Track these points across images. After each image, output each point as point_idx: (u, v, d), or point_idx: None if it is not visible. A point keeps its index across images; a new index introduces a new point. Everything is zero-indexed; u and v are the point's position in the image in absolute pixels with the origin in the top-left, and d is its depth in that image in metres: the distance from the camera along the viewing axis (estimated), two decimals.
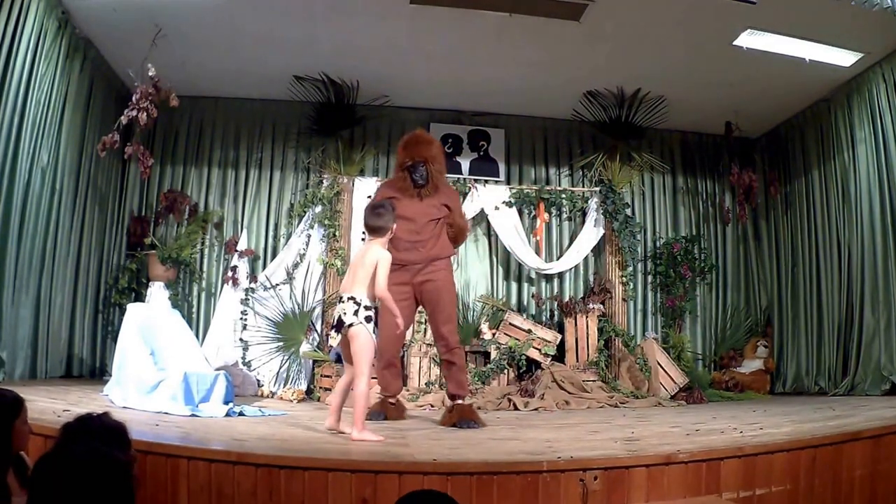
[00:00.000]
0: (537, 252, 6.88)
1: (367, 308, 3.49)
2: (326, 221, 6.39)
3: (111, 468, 1.44)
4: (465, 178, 6.99)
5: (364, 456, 2.74)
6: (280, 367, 6.06)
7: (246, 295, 6.29)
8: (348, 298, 3.51)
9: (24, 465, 2.04)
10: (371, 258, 3.56)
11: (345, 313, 3.48)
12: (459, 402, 4.24)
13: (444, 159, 4.53)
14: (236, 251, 6.53)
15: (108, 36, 5.52)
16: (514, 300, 7.00)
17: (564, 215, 7.18)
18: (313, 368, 5.93)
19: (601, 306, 6.60)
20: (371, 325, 3.50)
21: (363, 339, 3.45)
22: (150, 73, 5.09)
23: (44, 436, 2.57)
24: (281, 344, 6.13)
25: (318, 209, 6.50)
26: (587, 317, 6.44)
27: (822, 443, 2.99)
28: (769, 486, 2.80)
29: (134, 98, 5.15)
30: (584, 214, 7.06)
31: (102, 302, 6.31)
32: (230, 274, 6.38)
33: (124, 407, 4.03)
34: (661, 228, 7.40)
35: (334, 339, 3.60)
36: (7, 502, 1.90)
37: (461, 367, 4.36)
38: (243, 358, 6.07)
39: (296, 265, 6.42)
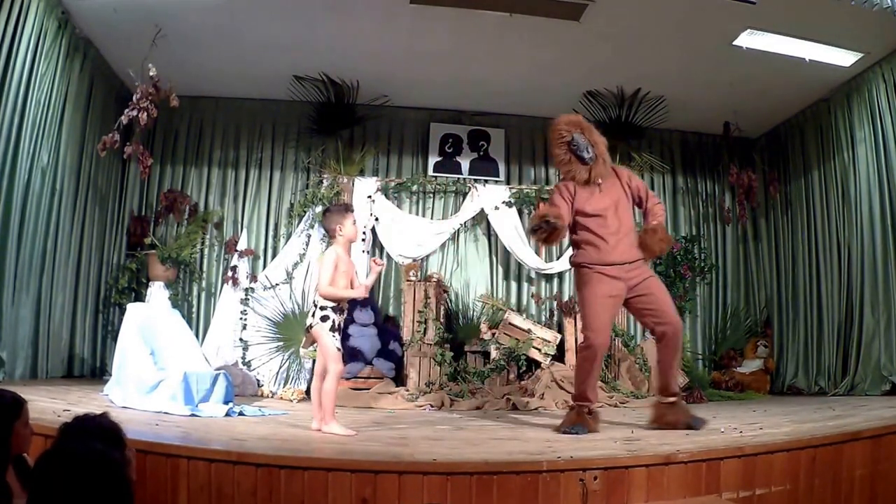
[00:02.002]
0: (537, 252, 6.88)
1: (322, 308, 3.64)
2: None
3: (110, 467, 1.44)
4: (464, 178, 7.00)
5: (364, 456, 2.74)
6: (280, 367, 6.06)
7: (246, 295, 6.29)
8: (313, 302, 3.73)
9: (26, 466, 2.04)
10: (319, 262, 3.77)
11: (308, 316, 3.71)
12: (673, 399, 3.77)
13: (604, 142, 3.96)
14: (236, 251, 6.54)
15: (108, 36, 5.53)
16: (514, 300, 7.00)
17: None
18: (313, 368, 5.92)
19: None
20: (327, 325, 3.61)
21: (323, 339, 3.62)
22: (150, 73, 5.09)
23: (44, 435, 2.57)
24: (281, 344, 6.14)
25: (318, 209, 6.50)
26: None
27: (822, 443, 2.99)
28: (769, 486, 2.80)
29: (134, 98, 5.15)
30: None
31: (102, 302, 6.32)
32: (230, 274, 6.39)
33: (124, 407, 4.04)
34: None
35: (306, 342, 3.79)
36: (8, 502, 1.90)
37: (678, 358, 3.91)
38: (243, 358, 6.07)
39: (296, 265, 6.42)
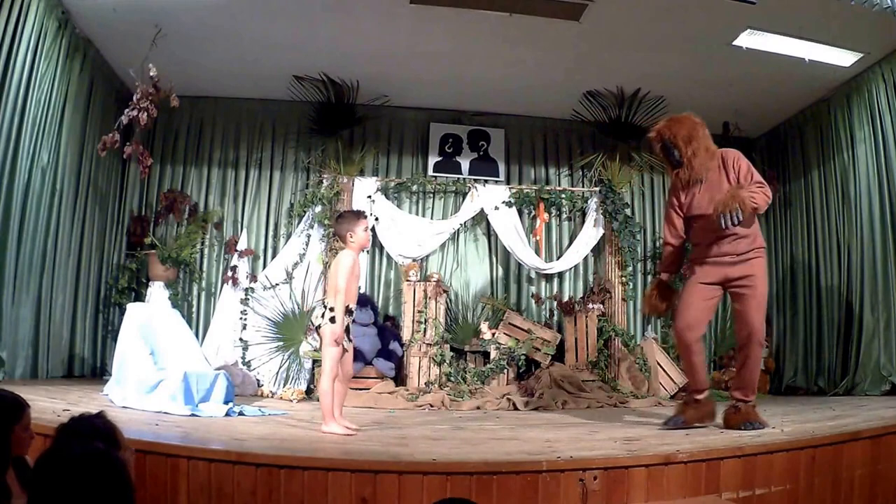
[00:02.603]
0: (537, 252, 6.88)
1: (331, 309, 3.64)
2: (326, 221, 6.39)
3: (110, 466, 1.44)
4: (464, 178, 7.00)
5: (364, 456, 2.74)
6: (280, 367, 6.06)
7: (246, 295, 6.29)
8: (323, 303, 3.75)
9: (26, 467, 2.04)
10: (334, 264, 3.80)
11: (315, 317, 3.73)
12: (743, 403, 3.70)
13: (700, 134, 3.85)
14: (236, 251, 6.53)
15: (108, 36, 5.53)
16: (513, 300, 6.99)
17: (564, 215, 7.18)
18: (313, 368, 5.93)
19: (601, 306, 6.60)
20: (335, 326, 3.63)
21: (326, 339, 3.64)
22: (150, 73, 5.08)
23: (44, 436, 2.57)
24: (281, 344, 6.14)
25: (318, 209, 6.51)
26: (587, 317, 6.44)
27: (822, 443, 3.00)
28: (769, 486, 2.80)
29: (134, 98, 5.15)
30: (584, 214, 7.06)
31: (103, 302, 6.32)
32: (230, 274, 6.39)
33: (124, 406, 4.04)
34: (660, 228, 7.38)
35: (311, 343, 3.83)
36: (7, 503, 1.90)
37: (756, 363, 3.76)
38: (243, 358, 6.07)
39: (296, 265, 6.42)
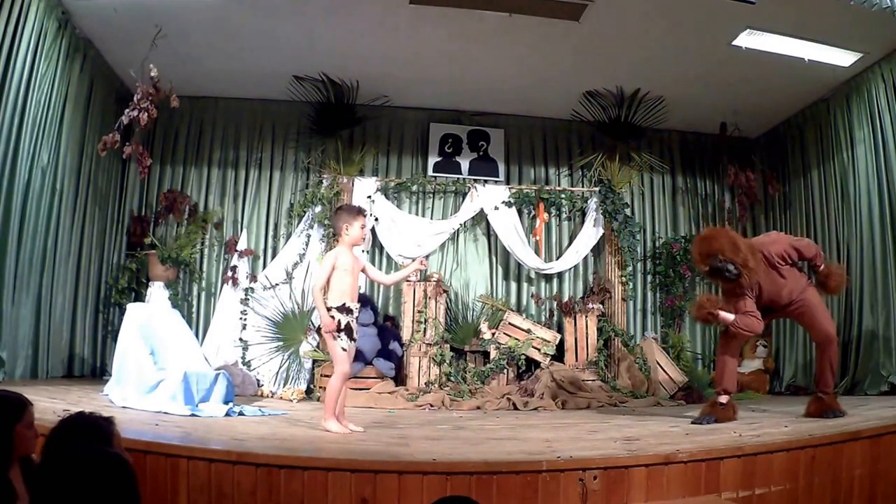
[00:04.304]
0: (537, 252, 6.88)
1: (328, 310, 3.65)
2: (326, 221, 6.40)
3: (114, 466, 1.44)
4: (464, 178, 7.00)
5: (364, 456, 2.74)
6: (280, 367, 6.07)
7: (246, 295, 6.29)
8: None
9: (33, 468, 2.03)
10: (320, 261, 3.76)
11: (316, 317, 3.67)
12: (825, 394, 4.09)
13: (738, 239, 4.02)
14: (236, 251, 6.54)
15: (108, 36, 5.53)
16: (513, 300, 7.00)
17: (564, 215, 7.18)
18: (313, 368, 5.94)
19: (600, 306, 6.60)
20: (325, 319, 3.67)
21: (329, 340, 3.68)
22: (151, 74, 5.08)
23: (45, 436, 2.57)
24: (281, 344, 6.14)
25: (318, 209, 6.51)
26: (587, 317, 6.44)
27: (822, 442, 3.00)
28: (769, 486, 2.81)
29: (134, 98, 5.15)
30: (584, 214, 7.06)
31: (103, 302, 6.32)
32: (230, 274, 6.39)
33: (124, 407, 4.04)
34: (660, 228, 7.41)
35: (311, 343, 3.86)
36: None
37: (833, 362, 4.21)
38: (243, 358, 6.07)
39: (295, 265, 6.42)
